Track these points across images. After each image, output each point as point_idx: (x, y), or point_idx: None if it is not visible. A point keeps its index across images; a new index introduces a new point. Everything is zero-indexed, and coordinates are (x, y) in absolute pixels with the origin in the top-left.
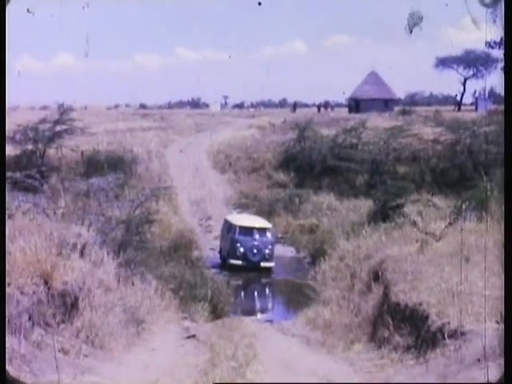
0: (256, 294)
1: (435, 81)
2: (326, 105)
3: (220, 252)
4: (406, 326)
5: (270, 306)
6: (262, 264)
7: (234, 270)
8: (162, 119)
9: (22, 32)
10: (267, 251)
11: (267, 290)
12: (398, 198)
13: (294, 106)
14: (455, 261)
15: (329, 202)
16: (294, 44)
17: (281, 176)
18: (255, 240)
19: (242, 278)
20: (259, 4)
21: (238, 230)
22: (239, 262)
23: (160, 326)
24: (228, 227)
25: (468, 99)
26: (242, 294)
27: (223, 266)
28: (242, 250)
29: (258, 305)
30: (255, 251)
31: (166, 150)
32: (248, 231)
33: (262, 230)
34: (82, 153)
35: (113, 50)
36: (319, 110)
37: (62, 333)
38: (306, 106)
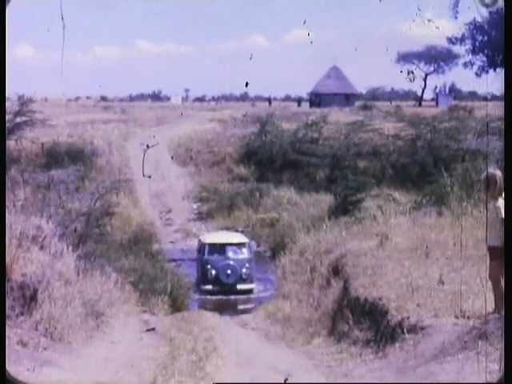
0: None
1: (396, 76)
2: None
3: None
4: (366, 321)
5: None
6: (239, 286)
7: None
8: (123, 112)
9: None
10: (244, 270)
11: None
12: (359, 193)
13: (269, 100)
14: (415, 256)
15: (289, 196)
16: (254, 38)
17: (241, 170)
18: (228, 258)
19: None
20: None
21: (207, 248)
22: (211, 287)
23: (119, 319)
24: (199, 247)
25: (429, 95)
26: None
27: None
28: (213, 271)
29: None
30: (229, 272)
31: (126, 142)
32: (219, 249)
33: (237, 246)
34: (42, 145)
35: (72, 41)
36: (299, 104)
37: (20, 325)
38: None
